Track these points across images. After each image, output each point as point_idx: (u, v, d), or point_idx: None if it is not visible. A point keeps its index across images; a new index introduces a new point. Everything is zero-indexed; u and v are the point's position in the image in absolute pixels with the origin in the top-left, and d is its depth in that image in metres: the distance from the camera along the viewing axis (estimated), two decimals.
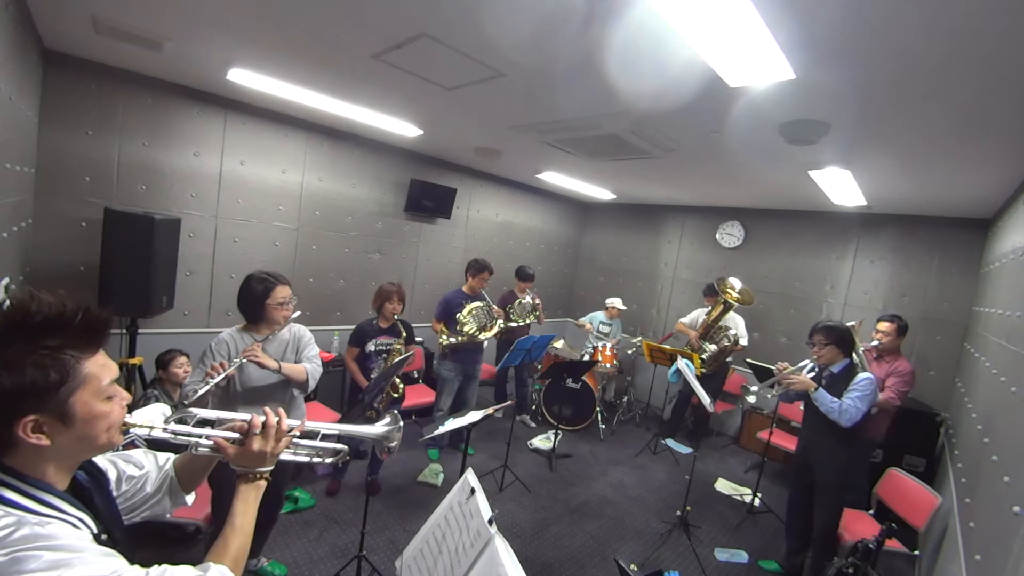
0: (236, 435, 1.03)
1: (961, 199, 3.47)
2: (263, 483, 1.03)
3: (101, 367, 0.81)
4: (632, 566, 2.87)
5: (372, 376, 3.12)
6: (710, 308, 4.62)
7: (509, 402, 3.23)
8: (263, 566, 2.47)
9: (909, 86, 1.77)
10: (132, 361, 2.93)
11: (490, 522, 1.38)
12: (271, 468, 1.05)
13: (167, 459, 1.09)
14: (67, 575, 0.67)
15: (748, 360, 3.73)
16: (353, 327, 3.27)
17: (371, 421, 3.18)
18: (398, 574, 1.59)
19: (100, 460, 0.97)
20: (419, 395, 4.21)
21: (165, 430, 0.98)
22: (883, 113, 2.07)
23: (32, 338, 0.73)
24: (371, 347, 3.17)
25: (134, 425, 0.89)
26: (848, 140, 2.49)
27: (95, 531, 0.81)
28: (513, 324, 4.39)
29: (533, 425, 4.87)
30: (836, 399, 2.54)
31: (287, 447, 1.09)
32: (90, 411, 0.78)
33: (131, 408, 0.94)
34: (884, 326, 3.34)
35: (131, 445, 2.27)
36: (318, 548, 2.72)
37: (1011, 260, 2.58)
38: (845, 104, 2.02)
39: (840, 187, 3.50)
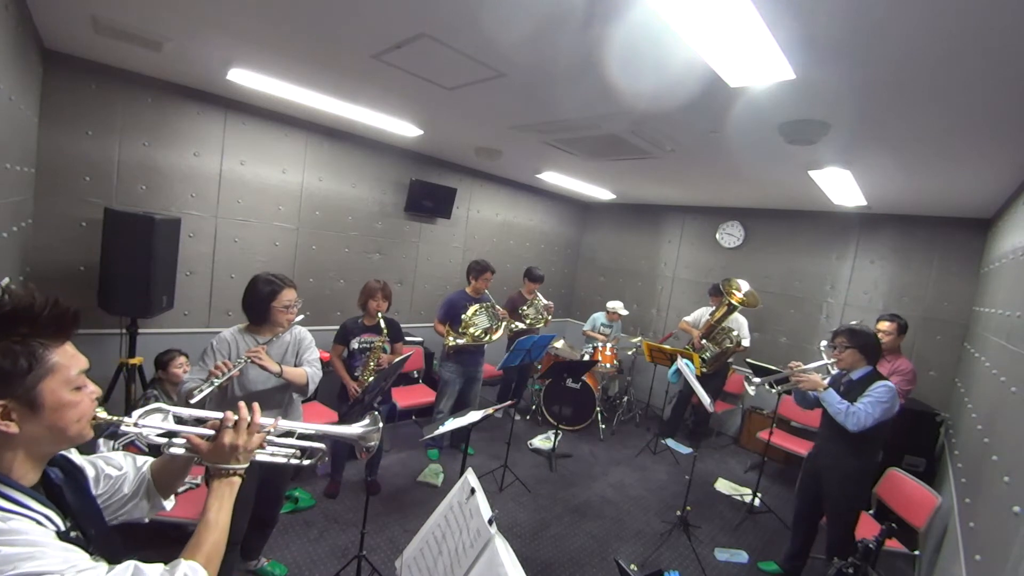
0: (209, 431, 1.03)
1: (961, 199, 3.47)
2: (237, 480, 1.03)
3: (70, 357, 0.83)
4: (632, 566, 2.87)
5: (356, 374, 3.12)
6: (715, 308, 4.60)
7: (509, 402, 3.22)
8: (263, 566, 2.47)
9: (909, 86, 1.77)
10: (132, 361, 2.92)
11: (490, 522, 1.38)
12: (245, 466, 1.05)
13: (144, 461, 1.10)
14: (23, 568, 0.69)
15: (748, 360, 3.72)
16: None
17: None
18: (398, 574, 1.59)
19: (79, 459, 0.98)
20: (419, 395, 4.20)
21: (136, 424, 0.98)
22: (883, 113, 2.07)
23: (3, 328, 0.76)
24: (355, 344, 3.16)
25: (105, 420, 0.89)
26: (848, 140, 2.49)
27: (62, 528, 0.81)
28: (523, 325, 4.38)
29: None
30: (844, 400, 2.45)
31: (262, 445, 1.08)
32: (59, 400, 0.80)
33: (131, 408, 0.95)
34: (885, 326, 3.34)
35: (132, 447, 2.27)
36: (318, 548, 2.72)
37: (1011, 260, 2.58)
38: (845, 104, 2.02)
39: (840, 187, 3.50)
